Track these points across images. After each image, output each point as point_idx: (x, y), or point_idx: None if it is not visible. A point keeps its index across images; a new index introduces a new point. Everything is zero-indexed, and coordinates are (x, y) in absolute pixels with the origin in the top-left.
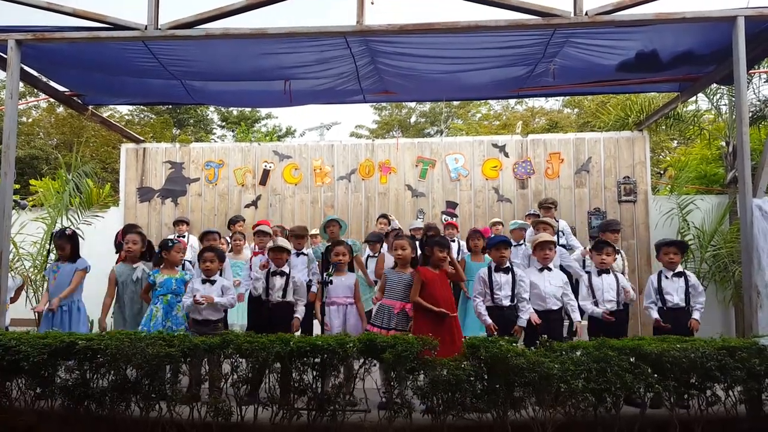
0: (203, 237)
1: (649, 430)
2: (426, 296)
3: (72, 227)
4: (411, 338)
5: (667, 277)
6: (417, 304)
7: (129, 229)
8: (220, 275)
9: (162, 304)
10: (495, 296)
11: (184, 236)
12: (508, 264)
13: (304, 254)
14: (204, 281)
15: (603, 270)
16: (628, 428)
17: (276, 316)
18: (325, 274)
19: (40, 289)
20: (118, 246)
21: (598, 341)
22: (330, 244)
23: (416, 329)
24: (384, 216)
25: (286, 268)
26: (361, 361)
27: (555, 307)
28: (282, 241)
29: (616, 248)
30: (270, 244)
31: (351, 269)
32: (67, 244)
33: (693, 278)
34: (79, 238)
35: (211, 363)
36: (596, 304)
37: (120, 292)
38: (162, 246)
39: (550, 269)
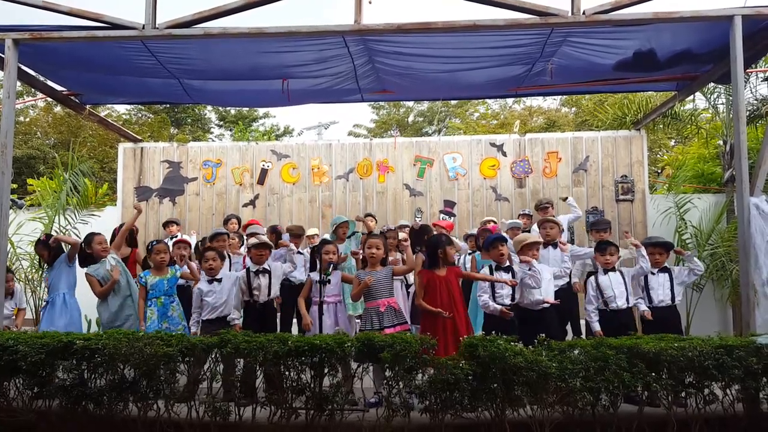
0: (213, 238)
1: (647, 429)
2: (428, 300)
3: (57, 232)
4: (409, 337)
5: (653, 273)
6: (420, 306)
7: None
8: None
9: (156, 306)
10: (496, 295)
11: (176, 237)
12: (507, 263)
13: (301, 253)
14: (210, 281)
15: (609, 269)
16: (626, 427)
17: (266, 317)
18: (323, 274)
19: (38, 288)
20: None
21: (595, 340)
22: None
23: (422, 331)
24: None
25: (267, 266)
26: None
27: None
28: (263, 237)
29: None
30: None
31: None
32: (44, 251)
33: (676, 270)
34: (62, 244)
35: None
36: (606, 303)
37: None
38: (147, 250)
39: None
